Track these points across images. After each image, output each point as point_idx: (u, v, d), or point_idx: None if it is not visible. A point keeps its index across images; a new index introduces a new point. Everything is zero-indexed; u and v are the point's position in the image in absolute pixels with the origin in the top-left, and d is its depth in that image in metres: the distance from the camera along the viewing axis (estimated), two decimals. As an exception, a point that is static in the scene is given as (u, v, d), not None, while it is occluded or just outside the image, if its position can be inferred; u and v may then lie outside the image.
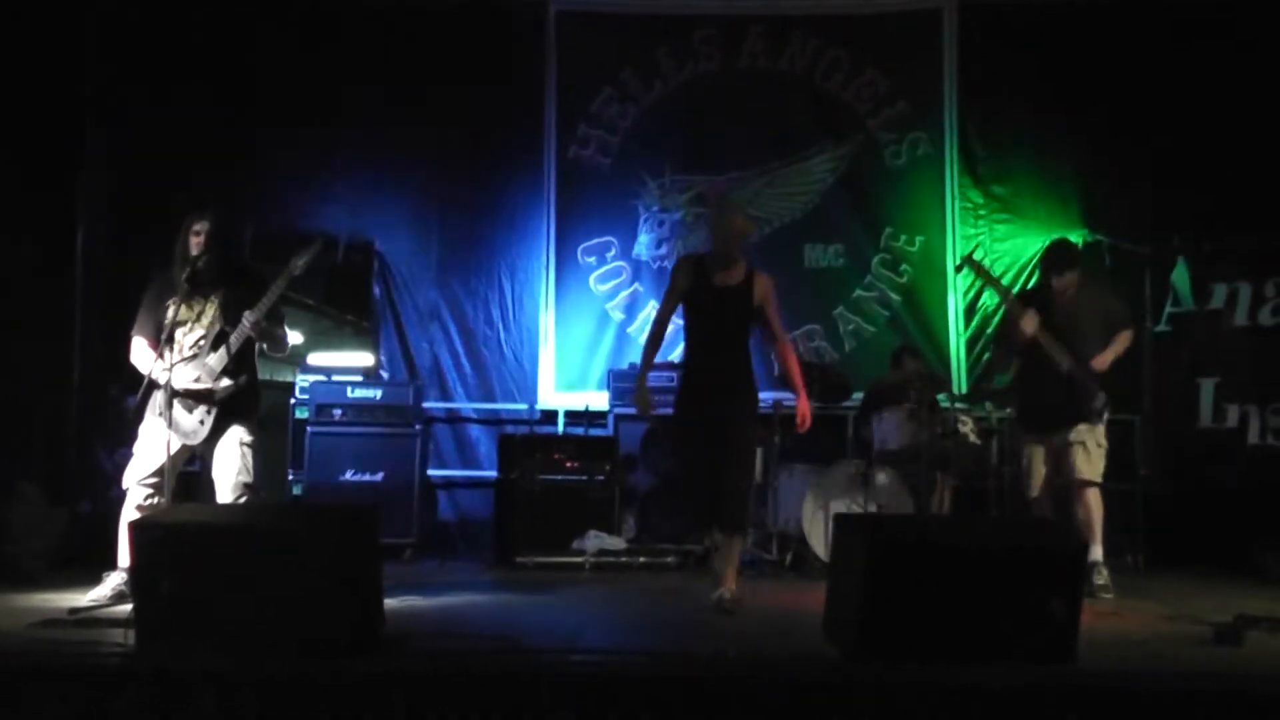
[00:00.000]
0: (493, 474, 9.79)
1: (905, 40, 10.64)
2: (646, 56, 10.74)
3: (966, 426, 8.92)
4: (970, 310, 10.41)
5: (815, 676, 4.65)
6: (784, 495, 9.00)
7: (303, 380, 9.64)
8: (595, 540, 8.65)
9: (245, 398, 6.82)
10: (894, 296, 10.46)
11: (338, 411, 9.42)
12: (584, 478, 9.02)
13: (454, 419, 10.67)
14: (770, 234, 10.51)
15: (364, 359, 10.13)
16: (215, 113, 10.41)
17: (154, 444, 6.63)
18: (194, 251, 6.72)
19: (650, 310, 10.19)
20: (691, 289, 6.99)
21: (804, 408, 7.08)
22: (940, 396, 9.26)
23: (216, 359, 6.68)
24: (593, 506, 8.97)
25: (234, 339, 6.70)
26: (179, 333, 6.68)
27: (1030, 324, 7.61)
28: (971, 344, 10.37)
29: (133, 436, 6.82)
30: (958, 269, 9.83)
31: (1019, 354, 7.95)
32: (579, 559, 8.52)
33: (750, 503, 6.84)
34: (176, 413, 6.57)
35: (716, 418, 6.77)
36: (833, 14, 10.68)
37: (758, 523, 9.08)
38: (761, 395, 9.88)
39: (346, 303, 10.37)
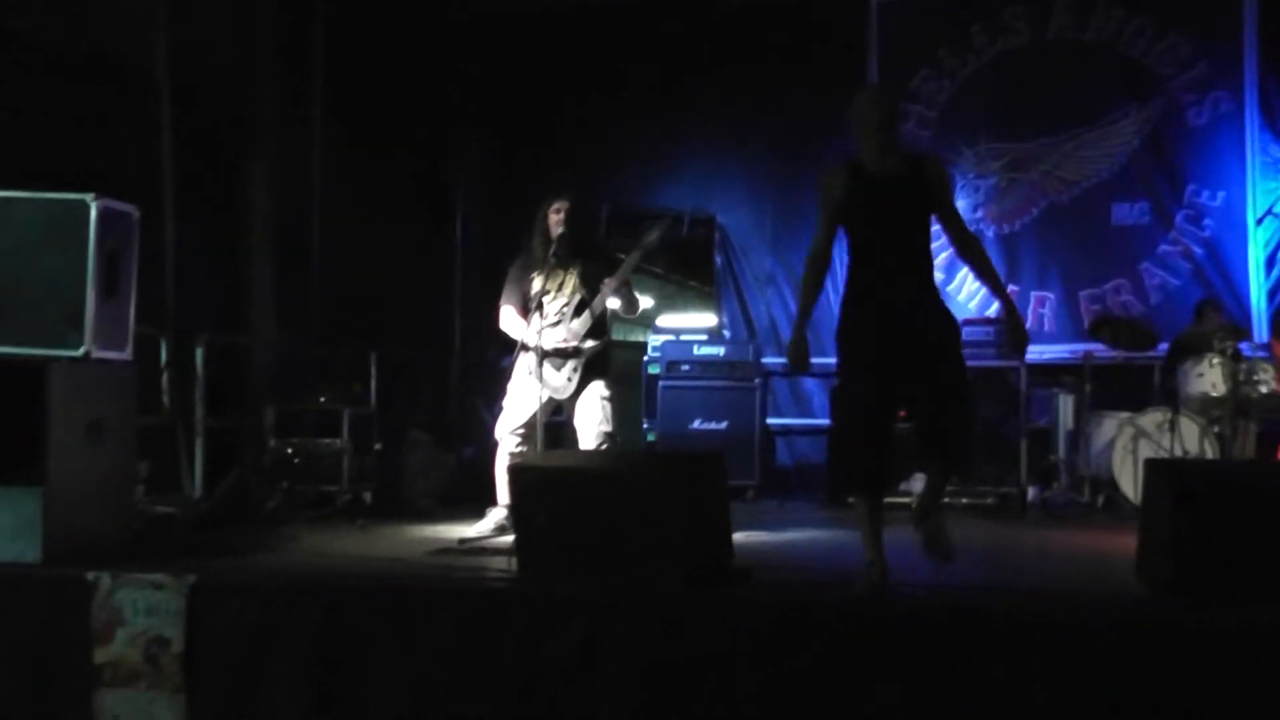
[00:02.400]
0: (826, 422, 9.75)
1: (1206, 2, 10.14)
2: (961, 34, 10.56)
3: (1267, 374, 8.51)
4: (1270, 262, 9.82)
5: (1127, 614, 4.56)
6: (1094, 441, 8.79)
7: (654, 340, 9.91)
8: (920, 482, 8.57)
9: (604, 357, 6.99)
10: (1197, 250, 9.97)
11: (686, 367, 9.66)
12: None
13: (789, 372, 10.74)
14: (1079, 195, 10.22)
15: (707, 320, 10.31)
16: (569, 102, 10.80)
17: (523, 399, 6.86)
18: (555, 229, 6.90)
19: (964, 274, 10.02)
20: (845, 193, 5.21)
21: (1013, 322, 5.30)
22: (1242, 346, 8.85)
23: (580, 323, 6.86)
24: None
25: (596, 304, 6.87)
26: (544, 300, 6.89)
27: None
28: (1272, 294, 9.78)
29: (505, 392, 7.07)
30: (1259, 221, 9.39)
31: None
32: (906, 499, 8.45)
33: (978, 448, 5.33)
34: (546, 371, 6.81)
35: (909, 350, 5.09)
36: (1138, -18, 10.28)
37: (1070, 467, 8.92)
38: (1070, 346, 9.85)
39: (691, 270, 10.57)
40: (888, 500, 5.33)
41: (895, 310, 5.11)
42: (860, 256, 5.27)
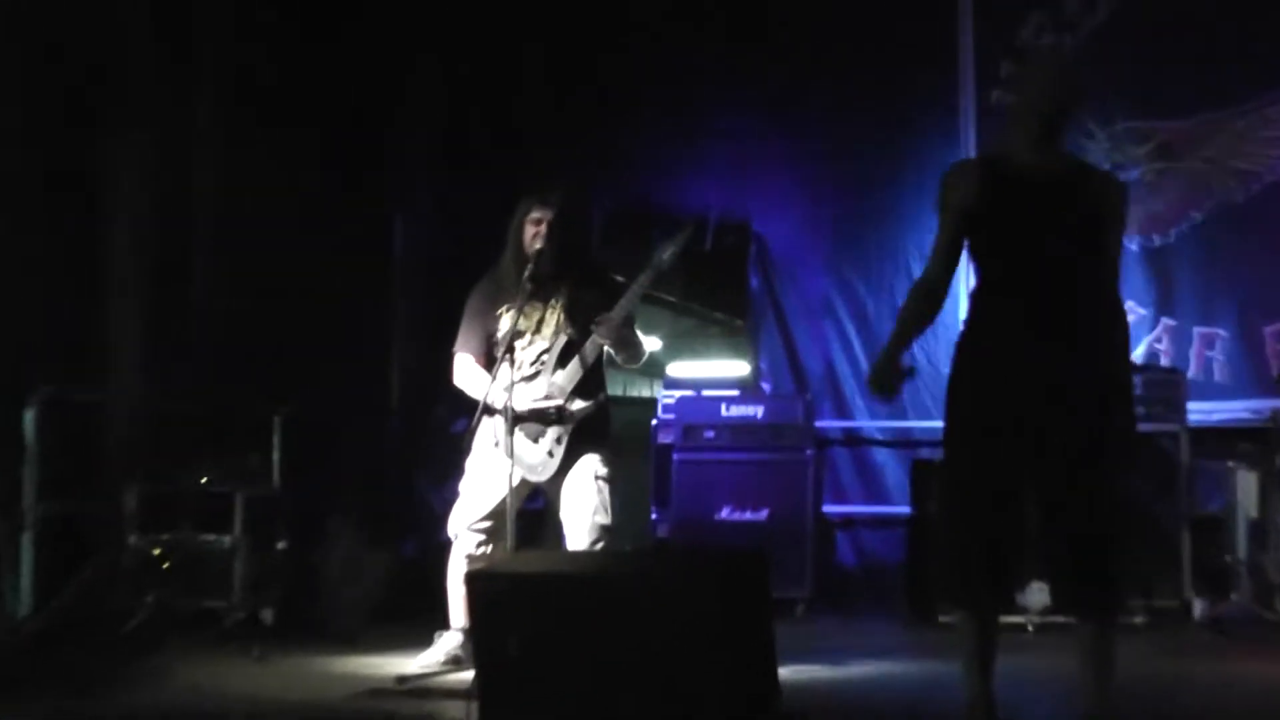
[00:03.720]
0: (905, 509, 9.73)
1: None
2: (1089, -32, 10.58)
3: None
4: None
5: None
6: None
7: (666, 396, 9.84)
8: (1040, 594, 8.44)
9: (599, 421, 6.94)
10: None
11: (710, 434, 9.57)
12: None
13: (854, 441, 10.72)
14: (1261, 191, 10.05)
15: (739, 368, 10.28)
16: (555, 64, 10.80)
17: (486, 482, 6.81)
18: (534, 245, 6.82)
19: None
20: (979, 198, 5.07)
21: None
22: None
23: (566, 376, 6.80)
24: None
25: (588, 350, 6.80)
26: (517, 344, 6.77)
27: None
28: None
29: (461, 469, 7.01)
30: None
31: None
32: (1020, 618, 8.36)
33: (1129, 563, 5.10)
34: (518, 443, 6.69)
35: (1050, 428, 4.98)
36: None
37: (1255, 570, 8.82)
38: (1252, 403, 9.75)
39: (716, 297, 10.53)
40: (1002, 620, 5.22)
41: (1040, 367, 4.96)
42: (995, 285, 5.16)
